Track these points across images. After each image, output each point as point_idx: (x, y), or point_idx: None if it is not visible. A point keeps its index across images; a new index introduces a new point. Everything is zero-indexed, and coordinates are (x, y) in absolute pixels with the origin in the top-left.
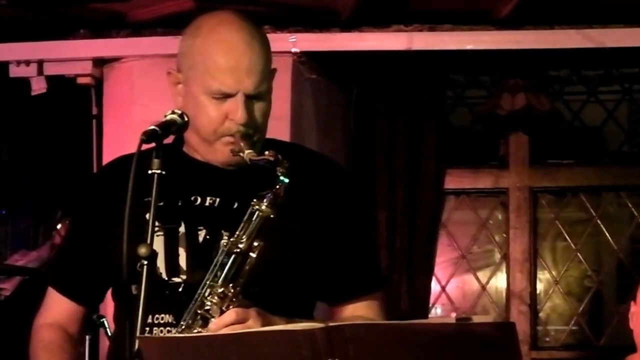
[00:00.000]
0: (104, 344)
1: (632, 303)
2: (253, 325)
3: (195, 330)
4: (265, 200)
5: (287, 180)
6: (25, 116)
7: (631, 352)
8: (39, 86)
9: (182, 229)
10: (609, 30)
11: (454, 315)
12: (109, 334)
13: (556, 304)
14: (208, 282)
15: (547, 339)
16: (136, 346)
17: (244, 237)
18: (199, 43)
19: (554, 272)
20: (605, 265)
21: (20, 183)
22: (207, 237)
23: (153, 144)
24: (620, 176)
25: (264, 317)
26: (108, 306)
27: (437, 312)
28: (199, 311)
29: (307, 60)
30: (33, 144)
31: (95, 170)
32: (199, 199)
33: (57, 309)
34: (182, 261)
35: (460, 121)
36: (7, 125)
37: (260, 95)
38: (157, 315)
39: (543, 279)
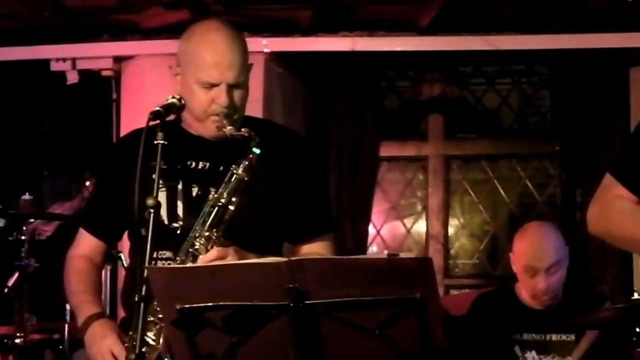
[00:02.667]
0: (121, 273)
1: (511, 253)
2: (231, 260)
3: (188, 264)
4: (241, 166)
5: (258, 152)
6: (61, 100)
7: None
8: (72, 77)
9: (179, 186)
10: (503, 37)
11: (386, 252)
12: (125, 265)
13: (463, 243)
14: (197, 228)
15: (457, 270)
16: (145, 274)
17: (224, 193)
18: (193, 45)
19: (461, 220)
20: (500, 214)
21: (57, 149)
22: (199, 193)
23: (158, 121)
24: (511, 147)
25: (241, 254)
26: (124, 244)
27: (373, 250)
28: (190, 250)
29: (276, 58)
30: (67, 120)
31: (114, 140)
32: (193, 164)
33: (86, 244)
34: (180, 211)
35: (392, 104)
36: (48, 107)
37: (239, 85)
38: (160, 252)
39: (453, 224)
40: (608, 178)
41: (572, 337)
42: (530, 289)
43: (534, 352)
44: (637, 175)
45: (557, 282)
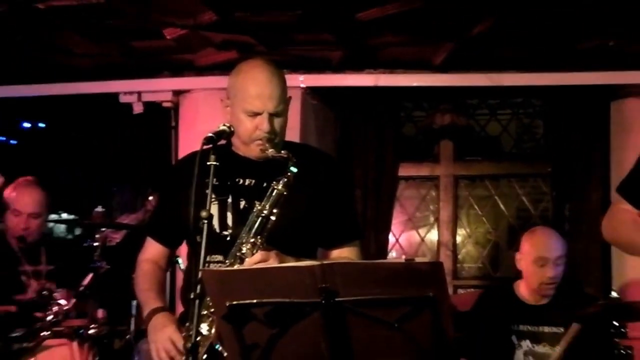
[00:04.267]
0: (178, 274)
1: (517, 253)
2: (273, 263)
3: (236, 266)
4: (281, 183)
5: (295, 170)
6: (128, 127)
7: (515, 279)
8: (138, 108)
9: (229, 200)
10: (504, 74)
11: (403, 257)
12: (182, 268)
13: (469, 250)
14: (244, 235)
15: (463, 273)
16: (199, 275)
17: (267, 206)
18: (239, 80)
19: (468, 230)
20: (501, 226)
21: (125, 170)
22: (245, 205)
23: (210, 145)
24: (510, 168)
25: (281, 257)
26: (182, 250)
27: (392, 255)
28: (237, 254)
29: (310, 92)
30: (133, 145)
31: (173, 162)
32: (241, 180)
33: (152, 250)
34: (229, 221)
35: (409, 131)
36: (117, 133)
37: (279, 113)
38: (212, 256)
39: (461, 234)
40: (616, 195)
41: (562, 329)
42: (539, 278)
43: (528, 341)
44: (637, 191)
45: (561, 273)
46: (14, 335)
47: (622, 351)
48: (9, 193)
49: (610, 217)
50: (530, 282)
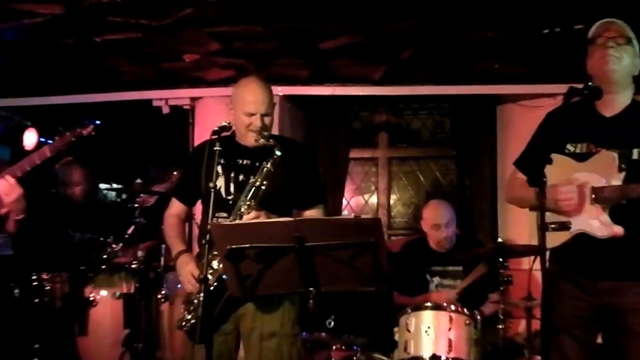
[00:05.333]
0: (195, 227)
1: (421, 220)
2: (262, 219)
3: (236, 221)
4: (269, 162)
5: (279, 154)
6: (159, 124)
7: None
8: (166, 110)
9: (232, 174)
10: (423, 87)
11: (353, 215)
12: (197, 222)
13: (399, 209)
14: (242, 199)
15: (395, 225)
16: (209, 227)
17: (259, 179)
18: (239, 90)
19: (398, 195)
20: (420, 192)
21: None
22: (243, 178)
23: (216, 136)
24: (427, 152)
25: (268, 215)
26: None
27: (345, 214)
28: (237, 212)
29: (286, 99)
30: (163, 135)
31: (191, 148)
32: (240, 161)
33: (176, 207)
34: (232, 189)
35: (357, 126)
36: (151, 128)
37: (267, 114)
38: (219, 213)
39: (393, 198)
40: (513, 167)
41: (460, 268)
42: (436, 239)
43: (438, 277)
44: (526, 164)
45: (452, 233)
46: (82, 268)
47: (505, 279)
48: (57, 168)
49: (509, 184)
50: (432, 240)
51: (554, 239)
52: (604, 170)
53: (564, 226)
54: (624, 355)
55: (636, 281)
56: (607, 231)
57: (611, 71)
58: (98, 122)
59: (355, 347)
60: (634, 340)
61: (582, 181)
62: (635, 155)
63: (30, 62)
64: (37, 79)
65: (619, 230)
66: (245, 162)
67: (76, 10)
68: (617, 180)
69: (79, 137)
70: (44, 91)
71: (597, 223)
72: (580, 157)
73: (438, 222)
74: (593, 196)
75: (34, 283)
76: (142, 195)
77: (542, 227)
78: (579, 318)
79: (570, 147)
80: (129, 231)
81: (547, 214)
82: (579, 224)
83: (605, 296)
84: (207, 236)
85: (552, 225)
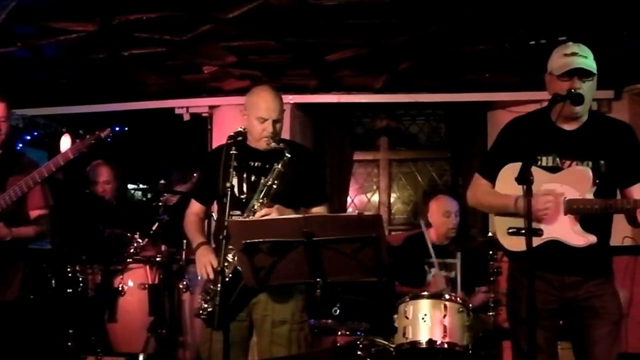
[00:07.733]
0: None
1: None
2: (273, 215)
3: (250, 218)
4: (280, 164)
5: (289, 156)
6: (181, 130)
7: (427, 227)
8: (187, 117)
9: (245, 175)
10: (421, 94)
11: (356, 212)
12: (214, 219)
13: (398, 207)
14: (255, 198)
15: (394, 221)
16: (225, 224)
17: (270, 179)
18: (253, 98)
19: (398, 194)
20: (418, 191)
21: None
22: (255, 179)
23: (232, 140)
24: (424, 154)
25: (280, 211)
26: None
27: (349, 211)
28: (251, 209)
29: (296, 106)
30: (184, 140)
31: (209, 150)
32: (252, 163)
33: (195, 207)
34: (245, 189)
35: (360, 131)
36: (174, 133)
37: (278, 120)
38: (234, 211)
39: (393, 197)
40: (476, 174)
41: (456, 260)
42: (446, 225)
43: (436, 269)
44: (490, 171)
45: (458, 221)
46: (112, 260)
47: (495, 270)
48: (88, 170)
49: (473, 189)
50: (439, 229)
51: (519, 243)
52: (578, 184)
53: (534, 232)
54: (588, 331)
55: (600, 278)
56: (582, 241)
57: (578, 112)
58: (126, 128)
59: (358, 332)
60: (597, 318)
61: (557, 192)
62: (602, 168)
63: (66, 75)
64: (72, 90)
65: (593, 239)
66: (256, 164)
67: (107, 27)
68: (589, 193)
69: (97, 139)
70: (78, 101)
71: (571, 232)
72: (549, 169)
73: (449, 209)
74: (571, 207)
75: (69, 274)
76: (165, 194)
77: (529, 224)
78: (547, 310)
79: (537, 158)
80: (154, 227)
81: (512, 219)
82: (553, 231)
83: (571, 290)
84: (224, 232)
85: (515, 230)
